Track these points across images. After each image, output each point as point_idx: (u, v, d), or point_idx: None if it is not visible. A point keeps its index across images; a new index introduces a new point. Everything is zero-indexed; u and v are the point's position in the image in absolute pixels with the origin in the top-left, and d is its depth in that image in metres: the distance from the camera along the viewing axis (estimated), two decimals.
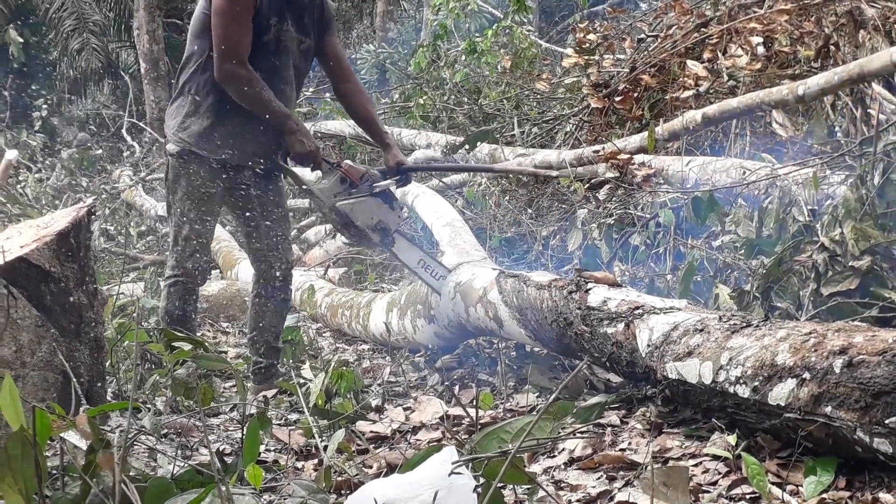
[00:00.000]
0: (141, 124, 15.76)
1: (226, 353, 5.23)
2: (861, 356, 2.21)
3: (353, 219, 4.06)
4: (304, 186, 4.16)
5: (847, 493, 2.22)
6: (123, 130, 15.21)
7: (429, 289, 4.43)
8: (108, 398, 3.43)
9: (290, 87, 4.12)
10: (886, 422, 2.08)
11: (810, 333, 2.42)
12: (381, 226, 4.11)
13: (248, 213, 4.20)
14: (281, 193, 4.26)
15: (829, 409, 2.23)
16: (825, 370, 2.27)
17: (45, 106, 12.74)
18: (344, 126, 9.53)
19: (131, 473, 2.13)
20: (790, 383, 2.35)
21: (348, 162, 4.16)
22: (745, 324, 2.68)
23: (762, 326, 2.62)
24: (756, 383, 2.45)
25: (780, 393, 2.37)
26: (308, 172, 4.49)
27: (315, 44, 4.22)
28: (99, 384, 3.20)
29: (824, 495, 2.22)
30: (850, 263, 3.75)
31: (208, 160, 4.00)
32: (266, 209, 4.19)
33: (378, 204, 4.11)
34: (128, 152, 14.71)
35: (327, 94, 11.50)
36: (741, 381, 2.50)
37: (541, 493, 2.36)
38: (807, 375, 2.31)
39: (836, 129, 5.60)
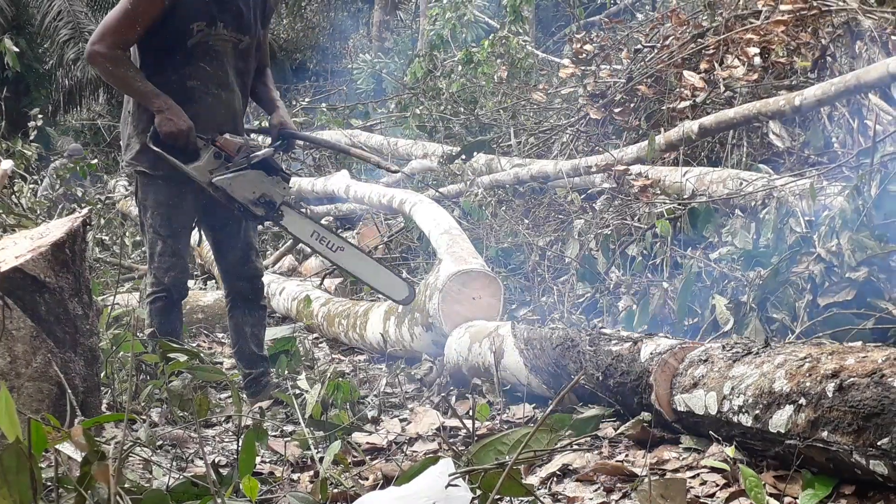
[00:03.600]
0: None
1: (221, 363, 5.20)
2: (852, 378, 2.20)
3: (232, 194, 3.90)
4: (179, 168, 3.90)
5: None
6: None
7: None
8: (103, 409, 3.41)
9: (231, 90, 4.02)
10: (879, 443, 2.08)
11: (805, 358, 2.42)
12: (265, 199, 3.94)
13: (212, 223, 4.17)
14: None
15: (825, 434, 2.22)
16: (819, 395, 2.26)
17: (40, 116, 12.71)
18: (340, 136, 9.53)
19: (126, 485, 2.12)
20: (788, 410, 2.35)
21: (225, 136, 3.97)
22: (745, 351, 2.68)
23: (762, 353, 2.61)
24: (757, 411, 2.45)
25: (779, 420, 2.37)
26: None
27: (258, 36, 4.15)
28: (94, 395, 3.18)
29: None
30: (846, 274, 3.74)
31: (158, 175, 3.96)
32: (232, 222, 4.13)
33: (259, 176, 3.93)
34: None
35: (323, 105, 11.52)
36: (743, 409, 2.50)
37: None
38: (803, 401, 2.31)
39: (833, 140, 5.61)
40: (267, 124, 4.34)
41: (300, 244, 4.32)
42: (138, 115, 3.96)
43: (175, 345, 3.71)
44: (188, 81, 3.92)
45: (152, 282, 4.05)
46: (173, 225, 4.01)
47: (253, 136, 4.28)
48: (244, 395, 4.06)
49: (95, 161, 13.65)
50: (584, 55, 7.54)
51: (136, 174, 4.01)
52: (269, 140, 4.23)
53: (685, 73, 6.51)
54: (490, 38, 10.66)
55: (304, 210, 4.45)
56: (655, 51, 7.11)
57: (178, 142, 3.83)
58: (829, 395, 2.23)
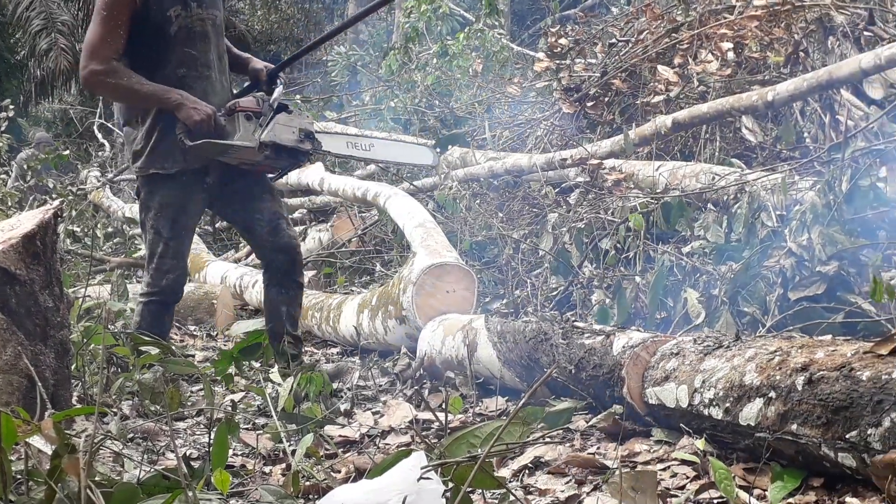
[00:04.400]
0: (109, 124, 15.63)
1: (193, 356, 5.18)
2: (821, 372, 2.22)
3: (282, 142, 3.85)
4: (228, 147, 3.85)
5: (814, 498, 2.24)
6: (95, 128, 15.07)
7: (400, 289, 4.42)
8: (74, 402, 3.39)
9: (214, 69, 3.99)
10: (847, 436, 2.09)
11: (776, 351, 2.44)
12: (305, 133, 3.92)
13: (238, 208, 4.10)
14: (263, 176, 4.15)
15: (795, 427, 2.24)
16: (789, 388, 2.28)
17: (11, 107, 12.58)
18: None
19: (97, 479, 2.10)
20: (758, 403, 2.37)
21: (235, 101, 3.93)
22: (716, 345, 2.70)
23: (733, 347, 2.63)
24: (727, 404, 2.47)
25: (749, 413, 2.39)
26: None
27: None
28: (64, 388, 3.17)
29: (790, 500, 2.24)
30: (817, 268, 3.78)
31: (171, 175, 3.90)
32: (255, 196, 4.08)
33: (287, 116, 3.90)
34: (96, 153, 14.58)
35: (297, 96, 11.47)
36: (714, 402, 2.52)
37: (510, 498, 2.35)
38: (773, 394, 2.33)
39: (805, 135, 5.65)
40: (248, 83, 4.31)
41: (341, 156, 4.47)
42: (145, 117, 3.89)
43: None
44: (178, 70, 3.86)
45: (148, 282, 4.00)
46: (177, 227, 3.96)
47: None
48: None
49: (67, 152, 13.54)
50: (559, 49, 7.55)
51: (145, 177, 3.94)
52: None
53: (659, 67, 6.53)
54: (465, 30, 10.64)
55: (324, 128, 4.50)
56: (630, 45, 7.13)
57: (208, 127, 3.78)
58: (799, 388, 2.25)
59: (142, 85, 3.75)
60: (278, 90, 3.99)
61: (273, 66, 4.22)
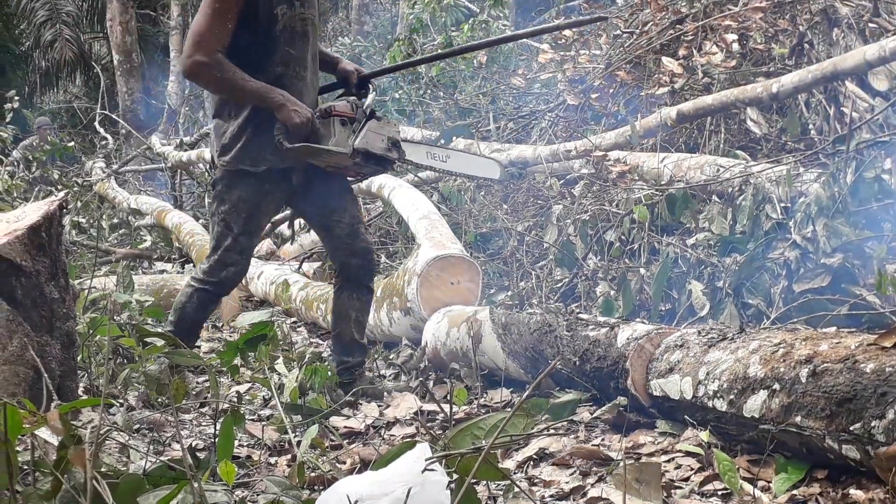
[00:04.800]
0: (114, 116, 15.65)
1: (199, 347, 5.20)
2: (825, 364, 2.23)
3: (373, 150, 3.81)
4: (324, 152, 3.80)
5: (818, 490, 2.24)
6: (96, 123, 15.08)
7: (405, 281, 4.41)
8: (80, 393, 3.40)
9: (309, 70, 3.93)
10: (851, 428, 2.10)
11: (780, 344, 2.44)
12: (392, 141, 3.88)
13: (318, 208, 4.04)
14: (343, 178, 4.07)
15: (798, 419, 2.25)
16: (793, 380, 2.29)
17: (16, 98, 12.59)
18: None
19: (103, 469, 2.11)
20: (762, 395, 2.37)
21: (330, 104, 3.87)
22: (721, 337, 2.70)
23: (737, 339, 2.64)
24: (731, 396, 2.47)
25: (753, 405, 2.39)
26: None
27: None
28: (70, 379, 3.18)
29: (794, 491, 2.24)
30: (821, 261, 3.78)
31: (255, 173, 3.82)
32: (336, 197, 4.02)
33: (376, 124, 3.86)
34: (101, 144, 14.60)
35: None
36: (718, 394, 2.53)
37: (514, 489, 2.36)
38: (777, 386, 2.33)
39: (810, 126, 5.64)
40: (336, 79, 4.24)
41: (419, 170, 4.56)
42: (238, 112, 3.82)
43: (183, 340, 3.67)
44: (276, 69, 3.80)
45: (206, 270, 3.92)
46: (249, 224, 3.89)
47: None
48: (336, 386, 3.92)
49: (72, 143, 13.56)
50: (564, 40, 7.53)
51: (229, 172, 3.86)
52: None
53: (664, 59, 6.52)
54: (470, 22, 10.64)
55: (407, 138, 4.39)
56: (634, 36, 7.11)
57: (307, 130, 3.74)
58: (803, 380, 2.25)
59: (245, 81, 3.69)
60: (371, 97, 3.97)
61: (363, 69, 4.18)
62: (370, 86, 4.10)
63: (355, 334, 4.03)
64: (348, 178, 4.07)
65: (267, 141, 3.75)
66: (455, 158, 4.33)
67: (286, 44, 3.81)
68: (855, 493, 2.15)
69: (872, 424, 2.05)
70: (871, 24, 5.89)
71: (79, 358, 3.44)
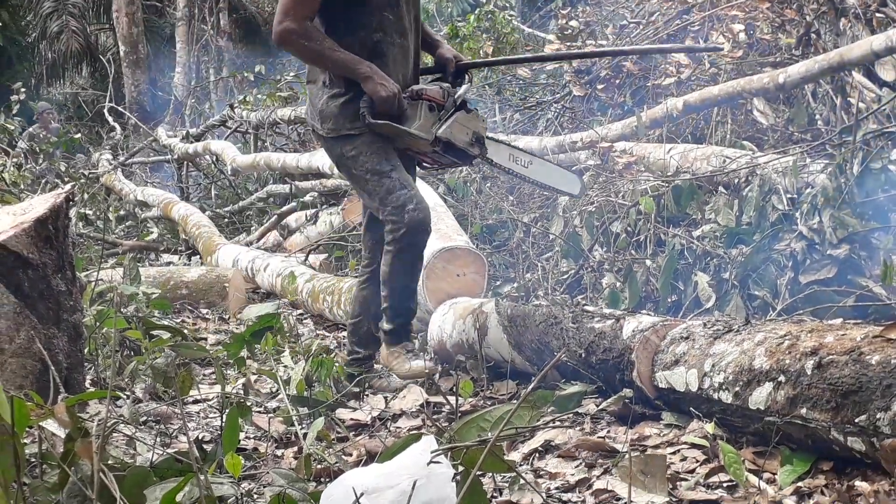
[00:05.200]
0: (120, 108, 15.66)
1: (205, 339, 5.21)
2: (830, 356, 2.23)
3: (455, 142, 3.69)
4: (405, 134, 3.68)
5: (823, 481, 2.24)
6: (106, 111, 15.09)
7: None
8: (87, 385, 3.41)
9: (408, 38, 3.79)
10: (857, 420, 2.10)
11: (785, 335, 2.44)
12: (476, 136, 3.75)
13: None
14: (418, 164, 3.97)
15: (804, 411, 2.25)
16: (798, 372, 2.29)
17: (23, 89, 12.60)
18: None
19: (110, 462, 2.12)
20: (767, 387, 2.37)
21: (422, 87, 3.75)
22: (726, 329, 2.70)
23: (742, 331, 2.63)
24: (737, 388, 2.47)
25: (758, 397, 2.39)
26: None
27: None
28: (77, 371, 3.19)
29: (800, 483, 2.24)
30: (828, 252, 3.77)
31: (359, 135, 3.71)
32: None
33: (465, 116, 3.73)
34: (108, 137, 14.62)
35: None
36: (723, 386, 2.53)
37: (520, 482, 2.37)
38: (782, 378, 2.33)
39: (817, 117, 5.63)
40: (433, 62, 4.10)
41: (497, 169, 4.18)
42: (332, 83, 3.72)
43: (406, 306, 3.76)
44: (374, 35, 3.69)
45: (391, 228, 3.71)
46: (392, 160, 3.72)
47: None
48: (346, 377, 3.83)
49: (79, 135, 13.57)
50: (570, 31, 7.53)
51: (336, 138, 3.74)
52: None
53: None
54: (476, 12, 10.61)
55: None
56: (641, 27, 7.11)
57: (392, 106, 3.63)
58: (809, 372, 2.25)
59: (333, 51, 3.61)
60: (465, 87, 3.82)
61: (463, 57, 4.03)
62: (466, 76, 3.97)
63: (373, 327, 3.97)
64: (424, 165, 3.98)
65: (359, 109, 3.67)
66: (537, 166, 4.17)
67: (382, 9, 3.70)
68: (860, 484, 2.15)
69: (878, 416, 2.05)
70: (878, 14, 5.87)
71: (86, 350, 3.45)
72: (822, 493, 2.20)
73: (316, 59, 3.70)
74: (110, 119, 14.73)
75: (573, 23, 7.61)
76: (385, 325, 3.85)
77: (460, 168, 6.47)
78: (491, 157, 3.93)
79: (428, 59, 4.22)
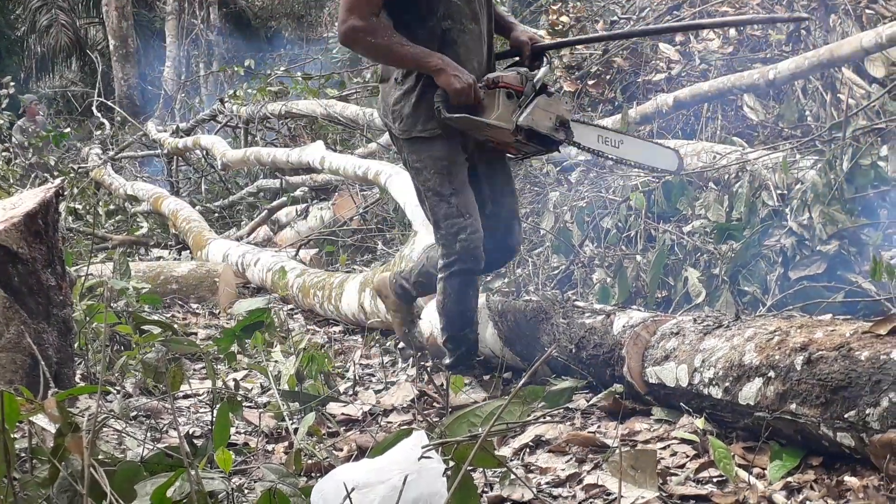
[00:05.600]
0: (109, 102, 15.61)
1: (195, 334, 5.21)
2: (820, 352, 2.23)
3: (537, 129, 3.48)
4: (484, 126, 3.52)
5: (812, 477, 2.25)
6: (94, 108, 15.05)
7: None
8: (77, 380, 3.41)
9: (480, 24, 3.61)
10: (846, 416, 2.11)
11: (775, 331, 2.45)
12: (561, 120, 3.53)
13: (484, 184, 3.73)
14: (505, 166, 3.80)
15: (794, 406, 2.25)
16: (788, 367, 2.29)
17: (12, 83, 12.56)
18: (315, 106, 9.47)
19: (100, 457, 2.12)
20: (757, 382, 2.38)
21: (498, 74, 3.55)
22: (716, 324, 2.71)
23: (732, 326, 2.64)
24: (727, 384, 2.48)
25: (748, 392, 2.40)
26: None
27: None
28: (67, 366, 3.18)
29: (789, 478, 2.25)
30: (817, 248, 3.78)
31: (432, 137, 3.57)
32: (499, 184, 3.74)
33: (546, 100, 3.51)
34: (98, 131, 14.58)
35: (298, 74, 11.46)
36: (713, 382, 2.53)
37: (511, 476, 2.37)
38: (772, 374, 2.34)
39: (807, 113, 5.64)
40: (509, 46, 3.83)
41: (587, 152, 3.89)
42: (404, 80, 3.58)
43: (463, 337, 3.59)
44: (443, 23, 3.52)
45: (443, 253, 3.61)
46: (455, 182, 3.57)
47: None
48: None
49: (68, 130, 13.54)
50: (560, 27, 7.52)
51: (408, 140, 3.62)
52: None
53: (661, 45, 6.52)
54: None
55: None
56: (631, 23, 7.10)
57: (468, 97, 3.45)
58: (798, 368, 2.26)
59: (402, 46, 3.45)
60: (543, 70, 3.59)
61: (539, 39, 3.81)
62: (545, 58, 3.74)
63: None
64: (509, 154, 3.77)
65: (429, 107, 3.53)
66: (629, 145, 3.93)
67: None
68: (849, 479, 2.16)
69: (867, 412, 2.06)
70: (868, 11, 5.89)
71: (76, 345, 3.45)
72: (812, 488, 2.21)
73: (385, 56, 3.56)
74: (99, 115, 14.68)
75: (564, 18, 7.61)
76: (446, 361, 3.70)
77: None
78: (578, 140, 3.69)
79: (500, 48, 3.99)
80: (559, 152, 3.81)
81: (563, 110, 3.56)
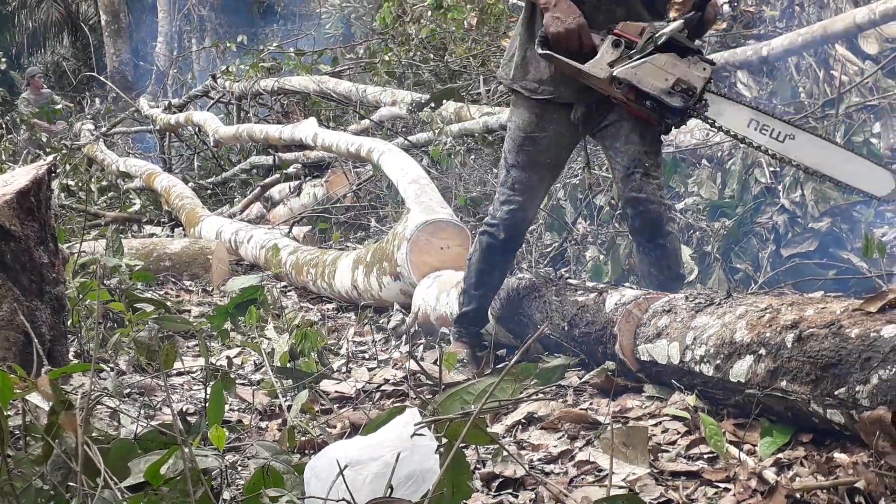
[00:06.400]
0: (102, 78, 15.54)
1: (189, 312, 5.21)
2: (811, 329, 2.24)
3: (640, 85, 3.17)
4: (575, 71, 3.24)
5: (802, 453, 2.27)
6: (84, 84, 14.99)
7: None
8: (71, 357, 3.41)
9: None
10: (836, 393, 2.12)
11: (766, 309, 2.45)
12: (682, 85, 3.17)
13: (604, 144, 3.50)
14: (635, 120, 3.37)
15: (784, 384, 2.26)
16: (778, 345, 2.30)
17: (3, 59, 12.51)
18: (308, 82, 9.44)
19: (94, 434, 2.13)
20: (748, 360, 2.39)
21: (624, 23, 3.24)
22: (708, 302, 2.71)
23: (724, 304, 2.65)
24: (718, 361, 2.49)
25: (739, 370, 2.41)
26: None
27: None
28: (61, 344, 3.19)
29: (780, 455, 2.27)
30: (809, 225, 3.80)
31: (530, 98, 3.41)
32: (620, 136, 3.39)
33: (671, 59, 3.17)
34: (90, 106, 14.52)
35: (291, 49, 11.40)
36: (705, 359, 2.54)
37: (503, 453, 2.38)
38: (763, 351, 2.35)
39: (800, 90, 5.64)
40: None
41: (736, 138, 3.36)
42: (527, 21, 3.40)
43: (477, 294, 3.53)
44: None
45: (490, 213, 3.57)
46: (522, 156, 3.43)
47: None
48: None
49: (60, 106, 13.48)
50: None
51: (510, 91, 3.53)
52: None
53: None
54: None
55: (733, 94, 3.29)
56: None
57: (568, 43, 3.20)
58: (789, 345, 2.27)
59: None
60: (675, 24, 3.22)
61: None
62: (697, 13, 3.31)
63: (661, 280, 3.40)
64: (650, 125, 3.35)
65: (545, 66, 3.33)
66: (804, 143, 3.28)
67: None
68: (839, 456, 2.17)
69: (857, 389, 2.07)
70: None
71: (69, 322, 3.45)
72: (802, 464, 2.22)
73: None
74: (88, 97, 14.61)
75: None
76: (456, 309, 3.70)
77: (444, 140, 6.44)
78: (715, 117, 3.29)
79: None
80: (683, 123, 3.36)
81: (692, 75, 3.19)
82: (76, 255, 4.75)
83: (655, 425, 2.60)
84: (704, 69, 3.21)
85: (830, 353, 2.14)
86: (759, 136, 3.26)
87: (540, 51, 3.24)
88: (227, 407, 3.00)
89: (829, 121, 4.22)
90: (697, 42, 3.38)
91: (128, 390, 3.26)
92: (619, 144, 3.38)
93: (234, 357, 3.92)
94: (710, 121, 3.29)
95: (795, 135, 3.26)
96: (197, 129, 10.53)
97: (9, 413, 2.04)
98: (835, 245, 3.78)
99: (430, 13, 10.01)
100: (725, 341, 2.49)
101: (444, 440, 1.97)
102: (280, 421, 3.01)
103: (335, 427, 2.90)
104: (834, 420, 2.16)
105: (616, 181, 3.48)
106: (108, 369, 3.51)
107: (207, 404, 2.47)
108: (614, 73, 3.19)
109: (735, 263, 3.94)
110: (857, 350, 2.10)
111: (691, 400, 2.58)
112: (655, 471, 2.28)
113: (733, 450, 2.31)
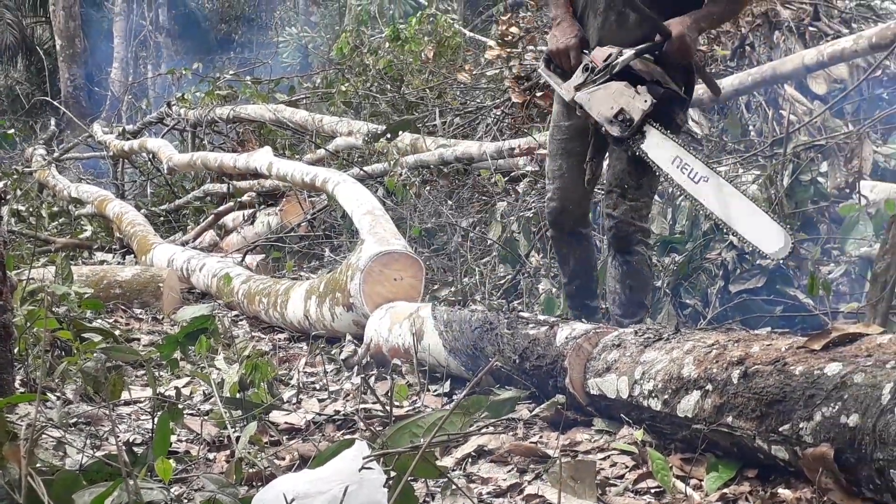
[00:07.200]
0: (55, 103, 15.41)
1: (138, 340, 5.16)
2: (756, 366, 2.27)
3: (590, 111, 3.30)
4: (554, 88, 3.47)
5: (748, 488, 2.29)
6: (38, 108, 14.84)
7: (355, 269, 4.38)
8: (17, 386, 3.36)
9: None
10: (780, 429, 2.15)
11: (713, 345, 2.48)
12: (623, 115, 3.25)
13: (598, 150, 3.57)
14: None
15: (730, 419, 2.29)
16: (725, 381, 2.33)
17: None
18: (264, 111, 9.44)
19: (38, 465, 2.10)
20: (695, 395, 2.42)
21: (599, 48, 3.36)
22: (657, 337, 2.74)
23: (672, 339, 2.67)
24: (666, 396, 2.51)
25: (686, 405, 2.44)
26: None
27: None
28: (7, 372, 3.13)
29: (725, 490, 2.29)
30: (757, 262, 3.85)
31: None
32: (603, 146, 3.53)
33: (622, 88, 3.26)
34: (42, 130, 14.38)
35: (247, 77, 11.40)
36: (653, 394, 2.57)
37: (452, 487, 2.38)
38: (710, 387, 2.38)
39: (750, 128, 5.74)
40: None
41: (660, 173, 3.34)
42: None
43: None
44: None
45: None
46: (553, 145, 3.60)
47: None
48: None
49: (12, 130, 13.34)
50: (510, 37, 7.57)
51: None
52: None
53: None
54: (418, 14, 10.63)
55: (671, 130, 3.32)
56: None
57: (561, 61, 3.40)
58: (735, 381, 2.30)
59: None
60: (627, 55, 3.28)
61: (686, 35, 3.30)
62: (667, 40, 3.31)
63: (623, 298, 3.59)
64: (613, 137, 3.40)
65: None
66: (712, 188, 3.27)
67: None
68: (783, 492, 2.20)
69: (801, 426, 2.10)
70: (811, 28, 6.01)
71: (15, 351, 3.40)
72: (747, 499, 2.25)
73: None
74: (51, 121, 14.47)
75: (513, 29, 7.66)
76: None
77: (398, 172, 6.47)
78: (647, 150, 3.32)
79: None
80: (627, 151, 3.39)
81: (634, 106, 3.25)
82: (24, 281, 4.69)
83: (604, 459, 2.61)
84: (646, 101, 3.26)
85: (775, 390, 2.18)
86: (679, 175, 3.29)
87: (540, 64, 3.48)
88: (174, 437, 2.97)
89: (777, 159, 4.29)
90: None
91: (74, 420, 3.22)
92: (610, 160, 3.56)
93: (183, 387, 3.88)
94: (642, 153, 3.33)
95: (710, 178, 3.27)
96: (151, 156, 10.47)
97: None
98: (782, 282, 3.84)
99: (387, 44, 10.07)
100: (673, 376, 2.51)
101: (394, 473, 1.97)
102: (228, 452, 2.99)
103: (284, 459, 2.88)
104: (779, 456, 2.19)
105: (604, 192, 3.65)
106: (55, 399, 3.46)
107: (154, 435, 2.45)
108: (575, 98, 3.35)
109: (684, 299, 3.98)
110: (801, 387, 2.13)
111: (639, 434, 2.60)
112: None
113: (680, 484, 2.33)
